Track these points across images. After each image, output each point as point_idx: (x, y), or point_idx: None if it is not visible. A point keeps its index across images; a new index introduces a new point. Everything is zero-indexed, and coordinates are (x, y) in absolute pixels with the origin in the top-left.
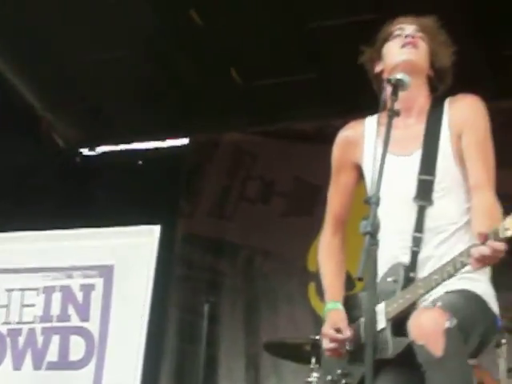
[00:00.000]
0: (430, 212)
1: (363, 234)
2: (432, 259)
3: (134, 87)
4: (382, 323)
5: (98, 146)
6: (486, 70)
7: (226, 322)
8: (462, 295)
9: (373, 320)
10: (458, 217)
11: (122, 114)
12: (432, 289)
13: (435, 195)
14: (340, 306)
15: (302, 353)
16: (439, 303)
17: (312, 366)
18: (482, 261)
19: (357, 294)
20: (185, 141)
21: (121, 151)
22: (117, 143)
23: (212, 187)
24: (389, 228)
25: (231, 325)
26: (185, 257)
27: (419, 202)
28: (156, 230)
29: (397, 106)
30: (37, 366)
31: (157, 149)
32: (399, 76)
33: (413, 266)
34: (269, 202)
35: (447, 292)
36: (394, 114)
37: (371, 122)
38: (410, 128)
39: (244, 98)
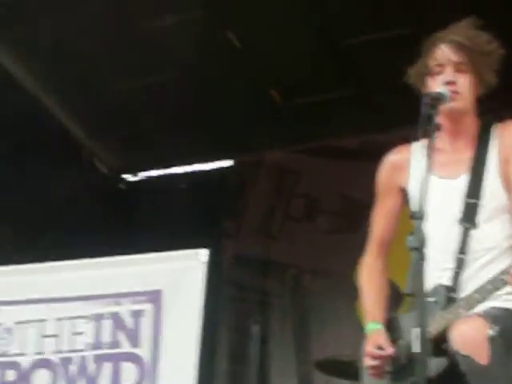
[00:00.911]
0: (474, 235)
1: (410, 250)
2: (473, 281)
3: (175, 111)
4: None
5: (141, 171)
6: None
7: (275, 342)
8: (504, 310)
9: (424, 335)
10: (502, 241)
11: (163, 138)
12: (473, 308)
13: (480, 218)
14: (380, 327)
15: (353, 370)
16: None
17: None
18: None
19: (396, 315)
20: (228, 162)
21: (164, 175)
22: (160, 168)
23: (257, 207)
24: (433, 249)
25: (281, 344)
26: (233, 278)
27: (464, 225)
28: (202, 253)
29: (437, 120)
30: None
31: (200, 171)
32: (439, 89)
33: (454, 287)
34: (314, 220)
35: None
36: (436, 128)
37: (418, 147)
38: (458, 152)
39: (285, 116)
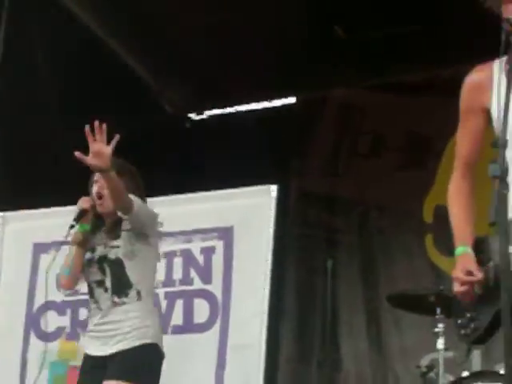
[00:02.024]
0: None
1: (492, 178)
2: None
3: (239, 50)
4: None
5: (206, 110)
6: None
7: (344, 279)
8: None
9: (507, 264)
10: None
11: (228, 76)
12: None
13: None
14: (469, 250)
15: (425, 304)
16: None
17: (437, 317)
18: None
19: (486, 236)
20: (292, 100)
21: (229, 114)
22: (225, 106)
23: (323, 144)
24: None
25: (350, 281)
26: (300, 216)
27: None
28: (273, 189)
29: None
30: (163, 331)
31: (265, 109)
32: None
33: None
34: (381, 156)
35: None
36: None
37: (500, 65)
38: None
39: (349, 52)
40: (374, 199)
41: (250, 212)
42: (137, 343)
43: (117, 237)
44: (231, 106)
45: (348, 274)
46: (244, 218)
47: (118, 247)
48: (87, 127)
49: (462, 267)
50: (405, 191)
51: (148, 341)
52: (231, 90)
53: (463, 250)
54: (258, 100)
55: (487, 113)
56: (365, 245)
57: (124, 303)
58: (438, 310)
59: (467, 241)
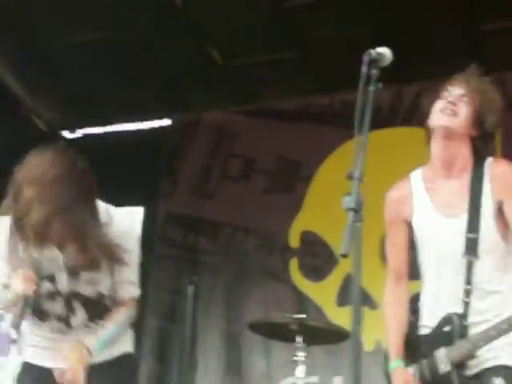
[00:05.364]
0: (478, 266)
1: (346, 211)
2: (482, 308)
3: (114, 69)
4: (446, 367)
5: (80, 128)
6: (466, 46)
7: (206, 301)
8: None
9: (359, 297)
10: (502, 268)
11: (102, 96)
12: (489, 343)
13: (480, 251)
14: (400, 363)
15: (287, 332)
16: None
17: (298, 345)
18: None
19: (418, 335)
20: (167, 121)
21: (104, 133)
22: (98, 125)
23: (193, 166)
24: (441, 282)
25: (212, 303)
26: (167, 236)
27: (468, 258)
28: (139, 211)
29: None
30: None
31: (138, 130)
32: (380, 50)
33: (465, 315)
34: (250, 179)
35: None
36: (376, 88)
37: (416, 177)
38: (452, 187)
39: (225, 77)
40: (241, 221)
41: None
42: None
43: None
44: (106, 125)
45: (212, 296)
46: None
47: None
48: None
49: (403, 382)
50: (272, 215)
51: None
52: (106, 110)
53: (398, 364)
54: (132, 121)
55: (409, 224)
56: (230, 267)
57: None
58: (299, 339)
59: (401, 354)
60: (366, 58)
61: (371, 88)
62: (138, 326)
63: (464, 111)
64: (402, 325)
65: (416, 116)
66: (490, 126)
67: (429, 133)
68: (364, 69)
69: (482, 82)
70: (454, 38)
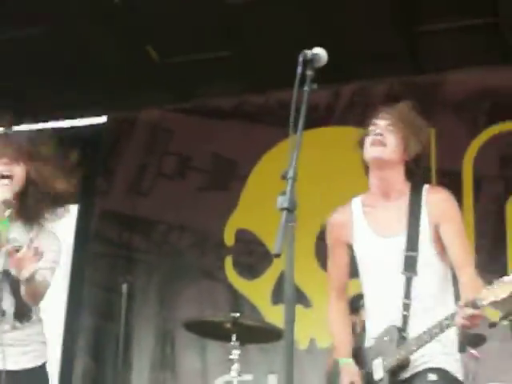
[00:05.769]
0: (416, 282)
1: (280, 210)
2: (420, 321)
3: (48, 66)
4: (380, 374)
5: (14, 125)
6: (402, 46)
7: (140, 299)
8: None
9: (292, 295)
10: (438, 285)
11: (35, 92)
12: (422, 346)
13: (419, 268)
14: (351, 361)
15: (222, 331)
16: None
17: (232, 344)
18: (467, 321)
19: (361, 347)
20: (103, 119)
21: (36, 131)
22: (31, 122)
23: (129, 164)
24: (382, 297)
25: (146, 301)
26: (101, 234)
27: (407, 274)
28: (72, 209)
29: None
30: None
31: (74, 127)
32: (315, 51)
33: (404, 327)
34: (185, 177)
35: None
36: (310, 89)
37: (357, 203)
38: (390, 210)
39: (161, 75)
40: (176, 219)
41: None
42: None
43: None
44: (39, 122)
45: (146, 293)
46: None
47: None
48: None
49: (349, 378)
50: (207, 213)
51: None
52: (39, 107)
53: (346, 361)
54: (69, 118)
55: (349, 247)
56: (164, 265)
57: None
58: (234, 337)
59: (347, 354)
60: (301, 59)
61: (306, 88)
62: (72, 324)
63: (392, 140)
64: (347, 330)
65: (352, 116)
66: (419, 149)
67: (366, 166)
68: (299, 69)
69: (404, 109)
70: (388, 39)
